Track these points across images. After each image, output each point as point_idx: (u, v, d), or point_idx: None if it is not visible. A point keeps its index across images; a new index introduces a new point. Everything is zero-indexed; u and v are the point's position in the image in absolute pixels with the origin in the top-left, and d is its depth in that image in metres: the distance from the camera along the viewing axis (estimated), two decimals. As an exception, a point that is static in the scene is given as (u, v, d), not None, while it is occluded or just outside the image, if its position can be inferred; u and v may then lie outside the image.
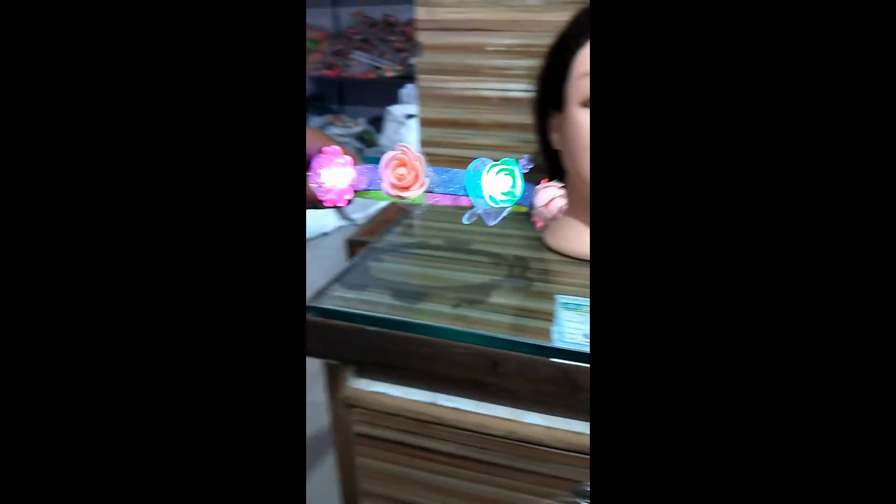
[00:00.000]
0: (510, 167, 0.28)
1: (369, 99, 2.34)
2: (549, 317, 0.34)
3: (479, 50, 0.57)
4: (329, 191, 0.27)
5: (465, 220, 0.28)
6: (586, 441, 0.33)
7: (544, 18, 0.53)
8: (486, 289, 0.38)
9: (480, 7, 0.55)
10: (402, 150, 0.26)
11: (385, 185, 0.27)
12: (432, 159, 0.70)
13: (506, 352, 0.31)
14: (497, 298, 0.37)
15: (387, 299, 0.36)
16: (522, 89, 0.57)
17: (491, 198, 0.28)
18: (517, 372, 0.31)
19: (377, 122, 2.21)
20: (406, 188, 0.26)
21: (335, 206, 0.28)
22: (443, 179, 0.28)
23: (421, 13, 0.57)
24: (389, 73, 2.16)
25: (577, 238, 0.43)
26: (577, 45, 0.38)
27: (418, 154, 0.26)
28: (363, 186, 0.27)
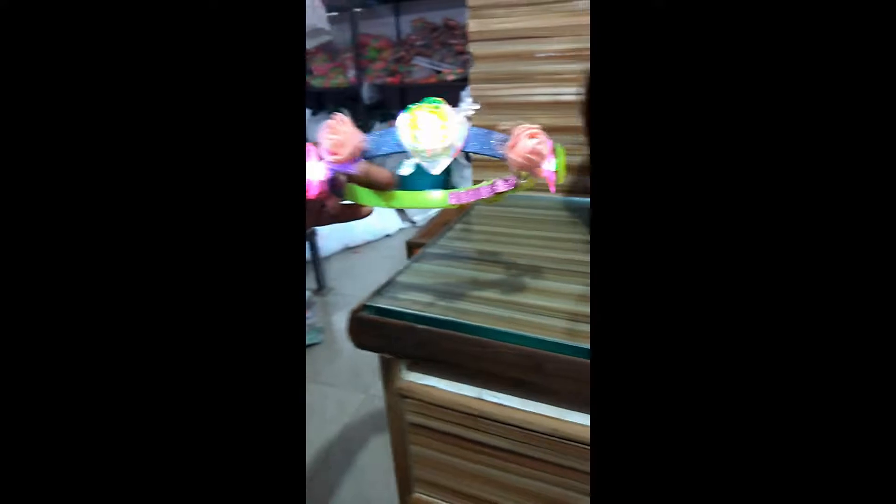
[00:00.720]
0: (434, 105, 0.27)
1: (430, 103, 2.40)
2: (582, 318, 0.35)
3: (529, 57, 0.58)
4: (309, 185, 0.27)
5: (399, 171, 0.28)
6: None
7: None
8: (536, 292, 0.40)
9: (529, 15, 0.57)
10: (336, 120, 0.27)
11: (327, 156, 0.27)
12: (485, 164, 0.71)
13: (551, 353, 0.33)
14: (546, 301, 0.38)
15: (437, 300, 0.39)
16: (573, 93, 0.57)
17: (414, 139, 0.27)
18: (561, 373, 0.33)
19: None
20: (336, 153, 0.27)
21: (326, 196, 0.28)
22: (380, 144, 0.28)
23: (472, 25, 0.59)
24: (450, 77, 2.20)
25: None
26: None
27: (345, 119, 0.27)
28: (334, 170, 0.28)
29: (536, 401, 0.36)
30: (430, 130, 0.27)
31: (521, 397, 0.37)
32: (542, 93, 0.59)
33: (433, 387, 0.40)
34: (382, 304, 0.39)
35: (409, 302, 0.39)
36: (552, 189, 0.29)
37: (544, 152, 0.28)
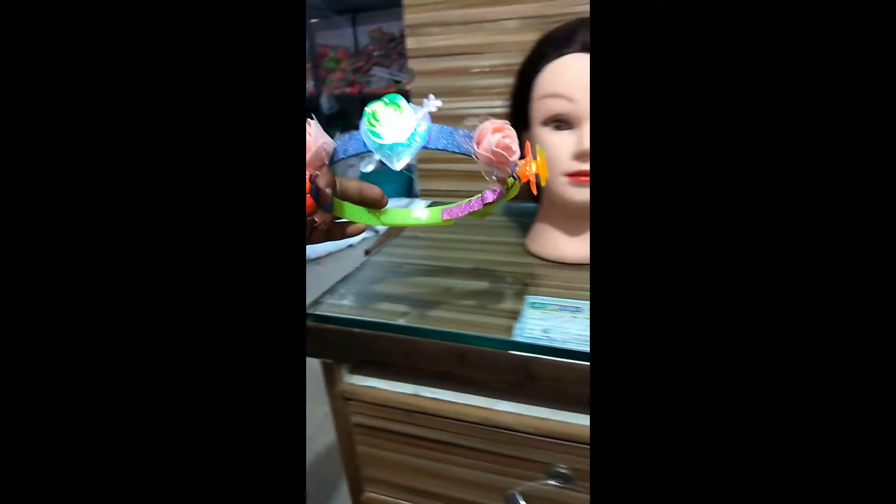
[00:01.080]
0: (392, 100, 0.27)
1: (390, 112, 2.42)
2: (517, 315, 0.38)
3: (465, 72, 0.62)
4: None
5: (361, 168, 0.28)
6: (552, 426, 0.37)
7: (523, 39, 0.57)
8: (469, 292, 0.43)
9: (464, 33, 0.60)
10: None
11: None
12: (430, 174, 0.74)
13: (471, 346, 0.36)
14: (474, 300, 0.41)
15: (373, 304, 0.41)
16: (506, 106, 0.61)
17: (374, 135, 0.26)
18: (482, 364, 0.36)
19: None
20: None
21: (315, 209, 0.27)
22: (345, 147, 0.28)
23: (410, 42, 0.63)
24: (409, 86, 2.23)
25: (553, 244, 0.47)
26: (537, 70, 0.42)
27: (314, 123, 0.27)
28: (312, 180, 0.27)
29: (467, 392, 0.39)
30: (390, 122, 0.27)
31: (454, 390, 0.40)
32: (478, 106, 0.62)
33: (374, 387, 0.42)
34: (321, 311, 0.41)
35: (346, 308, 0.41)
36: (534, 191, 0.29)
37: (513, 146, 0.27)
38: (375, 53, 2.38)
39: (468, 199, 0.34)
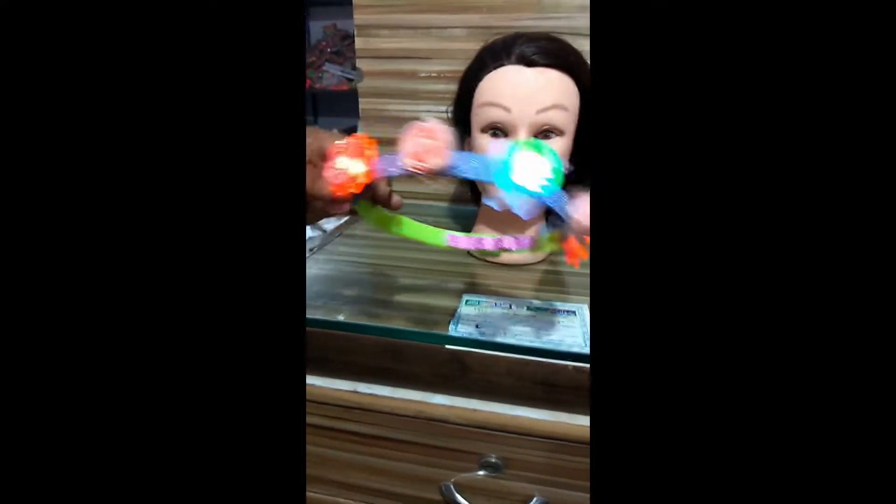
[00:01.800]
0: (544, 149, 0.26)
1: (342, 111, 2.39)
2: (452, 312, 0.40)
3: (413, 75, 0.63)
4: (342, 175, 0.27)
5: (495, 207, 0.27)
6: (484, 417, 0.39)
7: (468, 47, 0.59)
8: (406, 289, 0.44)
9: (412, 37, 0.62)
10: (425, 125, 0.26)
11: (404, 157, 0.26)
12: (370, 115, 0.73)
13: (408, 342, 0.37)
14: (413, 298, 0.42)
15: (311, 301, 0.42)
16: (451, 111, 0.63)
17: (521, 188, 0.26)
18: (418, 358, 0.37)
19: (351, 133, 2.26)
20: (423, 159, 0.26)
21: (350, 197, 0.27)
22: (472, 166, 0.27)
23: (359, 42, 0.63)
24: (357, 86, 2.21)
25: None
26: (478, 77, 0.44)
27: (443, 127, 0.26)
28: (380, 170, 0.27)
29: (403, 387, 0.40)
30: (543, 172, 0.27)
31: (391, 385, 0.41)
32: (425, 110, 0.64)
33: (312, 385, 0.42)
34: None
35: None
36: (574, 263, 0.28)
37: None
38: (329, 50, 2.34)
39: (482, 236, 0.39)
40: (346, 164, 0.28)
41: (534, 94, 0.40)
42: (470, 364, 0.36)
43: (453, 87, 0.62)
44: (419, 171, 0.26)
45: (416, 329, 0.37)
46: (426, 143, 0.26)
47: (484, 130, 0.43)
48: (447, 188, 0.67)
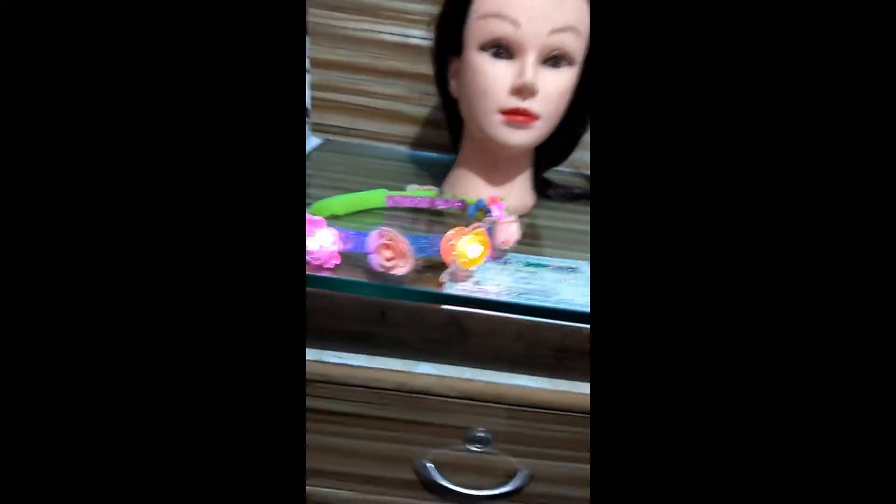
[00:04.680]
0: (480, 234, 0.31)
1: None
2: (441, 267, 0.33)
3: (375, -12, 0.52)
4: (317, 255, 0.29)
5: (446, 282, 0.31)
6: (476, 387, 0.33)
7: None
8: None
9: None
10: (387, 235, 0.29)
11: (375, 265, 0.29)
12: (326, 105, 0.64)
13: (394, 301, 0.30)
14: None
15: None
16: (422, 36, 0.54)
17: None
18: (406, 321, 0.30)
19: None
20: (393, 267, 0.29)
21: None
22: (423, 245, 0.30)
23: (309, -62, 0.51)
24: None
25: (474, 189, 0.43)
26: (475, -15, 0.36)
27: (400, 235, 0.29)
28: (348, 248, 0.30)
29: (383, 356, 0.34)
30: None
31: (367, 354, 0.34)
32: (388, 31, 0.54)
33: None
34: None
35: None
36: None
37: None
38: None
39: (418, 195, 0.42)
40: (315, 242, 0.30)
41: (550, 8, 0.34)
42: (472, 328, 0.30)
43: (424, 7, 0.53)
44: (390, 271, 0.29)
45: (406, 286, 0.30)
46: (390, 255, 0.29)
47: (483, 48, 0.36)
48: (415, 132, 0.58)
